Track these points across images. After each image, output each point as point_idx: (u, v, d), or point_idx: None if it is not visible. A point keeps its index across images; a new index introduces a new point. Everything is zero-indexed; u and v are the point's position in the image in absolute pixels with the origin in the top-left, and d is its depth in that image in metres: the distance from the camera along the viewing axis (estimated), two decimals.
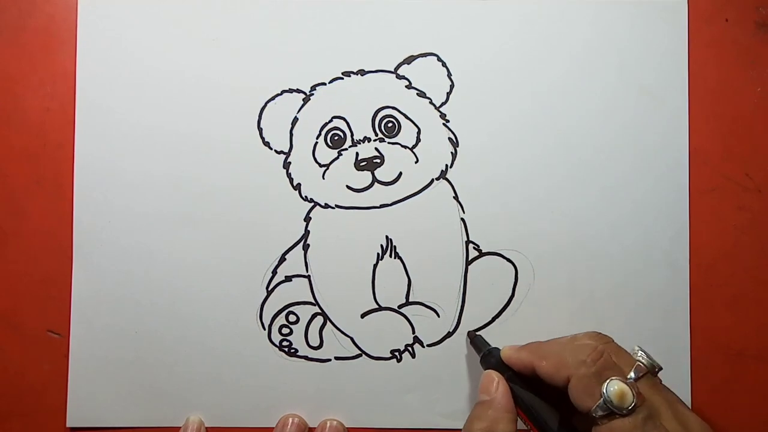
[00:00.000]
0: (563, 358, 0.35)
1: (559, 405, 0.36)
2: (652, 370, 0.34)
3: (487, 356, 0.40)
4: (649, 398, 0.33)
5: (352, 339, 0.44)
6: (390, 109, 0.44)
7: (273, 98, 0.44)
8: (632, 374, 0.33)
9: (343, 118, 0.44)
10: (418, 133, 0.44)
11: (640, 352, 0.35)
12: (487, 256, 0.44)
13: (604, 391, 0.32)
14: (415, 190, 0.44)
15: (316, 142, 0.44)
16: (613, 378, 0.33)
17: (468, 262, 0.44)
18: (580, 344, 0.35)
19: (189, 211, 0.44)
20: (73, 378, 0.44)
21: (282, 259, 0.44)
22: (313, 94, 0.44)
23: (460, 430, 0.43)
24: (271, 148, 0.44)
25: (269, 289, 0.44)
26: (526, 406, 0.36)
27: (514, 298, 0.44)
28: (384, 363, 0.44)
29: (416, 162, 0.44)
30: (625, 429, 0.32)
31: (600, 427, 0.33)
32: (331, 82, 0.45)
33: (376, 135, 0.44)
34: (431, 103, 0.44)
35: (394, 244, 0.44)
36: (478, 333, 0.43)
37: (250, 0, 0.45)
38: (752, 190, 0.45)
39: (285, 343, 0.44)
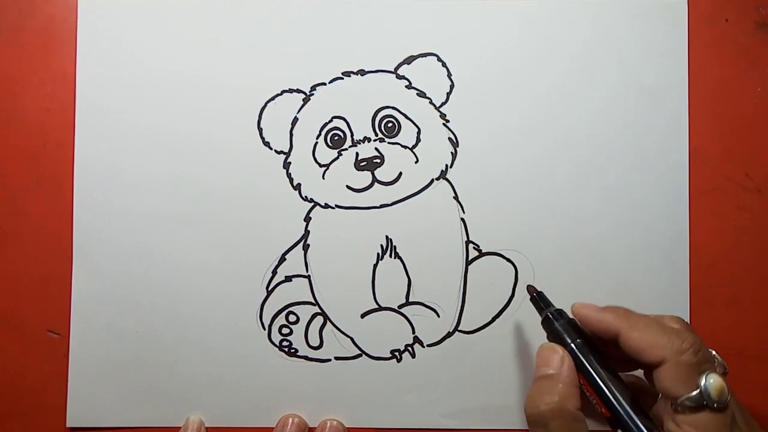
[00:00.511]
0: (659, 338, 0.33)
1: (632, 391, 0.35)
2: (725, 369, 0.34)
3: (555, 317, 0.37)
4: (732, 401, 0.32)
5: (352, 339, 0.44)
6: (390, 109, 0.44)
7: (273, 98, 0.44)
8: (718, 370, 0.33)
9: (343, 118, 0.44)
10: (418, 133, 0.44)
11: (713, 351, 0.35)
12: (487, 256, 0.44)
13: (703, 383, 0.32)
14: (415, 190, 0.44)
15: (316, 142, 0.44)
16: (711, 372, 0.32)
17: (468, 262, 0.44)
18: (676, 328, 0.34)
19: (189, 211, 0.44)
20: (73, 378, 0.44)
21: (282, 259, 0.44)
22: (313, 94, 0.44)
23: (460, 430, 0.44)
24: (271, 148, 0.44)
25: (269, 289, 0.44)
26: (594, 384, 0.34)
27: (514, 298, 0.44)
28: (384, 363, 0.44)
29: (416, 162, 0.44)
30: (715, 425, 0.31)
31: (685, 416, 0.32)
32: (331, 82, 0.45)
33: (376, 135, 0.44)
34: (431, 103, 0.44)
35: (394, 244, 0.44)
36: (540, 290, 0.40)
37: (250, 0, 0.45)
38: (752, 190, 0.45)
39: (285, 343, 0.44)
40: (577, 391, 0.34)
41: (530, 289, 0.40)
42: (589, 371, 0.35)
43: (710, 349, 0.35)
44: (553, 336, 0.37)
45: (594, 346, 0.36)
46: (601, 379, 0.34)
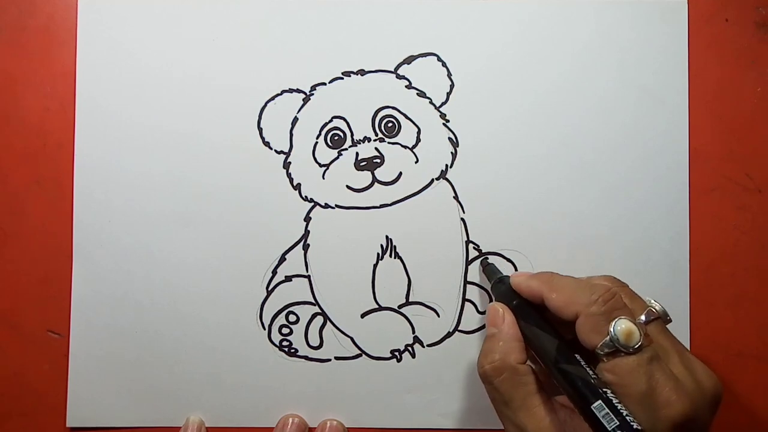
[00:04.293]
0: (574, 294, 0.35)
1: (566, 337, 0.36)
2: (664, 317, 0.35)
3: (498, 284, 0.40)
4: (657, 341, 0.33)
5: (352, 339, 0.44)
6: (390, 109, 0.44)
7: (273, 98, 0.44)
8: (643, 317, 0.34)
9: (343, 118, 0.44)
10: (418, 133, 0.44)
11: (653, 300, 0.35)
12: (486, 256, 0.44)
13: (612, 329, 0.32)
14: (415, 190, 0.44)
15: (316, 142, 0.44)
16: (621, 317, 0.33)
17: (468, 262, 0.44)
18: (593, 284, 0.35)
19: (189, 211, 0.44)
20: (73, 378, 0.44)
21: (282, 259, 0.44)
22: (313, 94, 0.44)
23: (460, 430, 0.44)
24: (271, 148, 0.44)
25: (269, 289, 0.44)
26: (528, 336, 0.36)
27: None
28: (384, 363, 0.44)
29: (416, 162, 0.44)
30: (628, 367, 0.32)
31: (604, 364, 0.33)
32: (331, 82, 0.45)
33: (376, 135, 0.44)
34: (431, 103, 0.44)
35: (394, 244, 0.44)
36: (491, 262, 0.43)
37: (250, 0, 0.45)
38: (752, 190, 0.45)
39: (285, 343, 0.44)
40: (518, 345, 0.36)
41: (482, 261, 0.44)
42: (522, 326, 0.37)
43: (649, 299, 0.36)
44: (498, 299, 0.40)
45: (535, 306, 0.37)
46: (529, 332, 0.36)
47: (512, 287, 0.39)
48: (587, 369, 0.33)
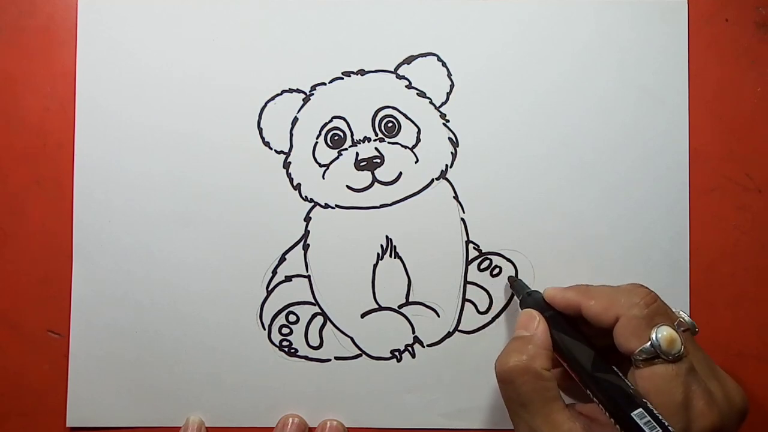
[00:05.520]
0: (614, 298, 0.35)
1: (597, 350, 0.35)
2: (692, 329, 0.35)
3: (527, 298, 0.40)
4: (692, 353, 0.33)
5: (352, 339, 0.44)
6: (390, 109, 0.44)
7: (273, 98, 0.44)
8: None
9: (343, 118, 0.44)
10: (418, 133, 0.44)
11: (681, 312, 0.35)
12: (487, 256, 0.44)
13: (654, 335, 0.32)
14: (415, 190, 0.44)
15: (316, 142, 0.44)
16: (663, 324, 0.33)
17: (468, 262, 0.44)
18: (631, 288, 0.35)
19: (189, 211, 0.44)
20: (73, 378, 0.44)
21: (282, 259, 0.44)
22: (313, 94, 0.44)
23: (460, 430, 0.44)
24: (271, 148, 0.44)
25: (269, 289, 0.44)
26: (561, 346, 0.36)
27: (514, 298, 0.44)
28: (384, 363, 0.44)
29: (416, 162, 0.44)
30: (668, 375, 0.32)
31: (641, 370, 0.32)
32: (331, 82, 0.45)
33: (376, 135, 0.44)
34: (431, 103, 0.44)
35: (394, 244, 0.44)
36: (518, 278, 0.43)
37: (250, 0, 0.45)
38: (752, 190, 0.45)
39: (285, 343, 0.44)
40: (546, 353, 0.36)
41: (510, 278, 0.43)
42: (555, 336, 0.36)
43: (678, 310, 0.35)
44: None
45: (568, 319, 0.37)
46: (562, 342, 0.36)
47: (545, 300, 0.39)
48: (624, 379, 0.33)
